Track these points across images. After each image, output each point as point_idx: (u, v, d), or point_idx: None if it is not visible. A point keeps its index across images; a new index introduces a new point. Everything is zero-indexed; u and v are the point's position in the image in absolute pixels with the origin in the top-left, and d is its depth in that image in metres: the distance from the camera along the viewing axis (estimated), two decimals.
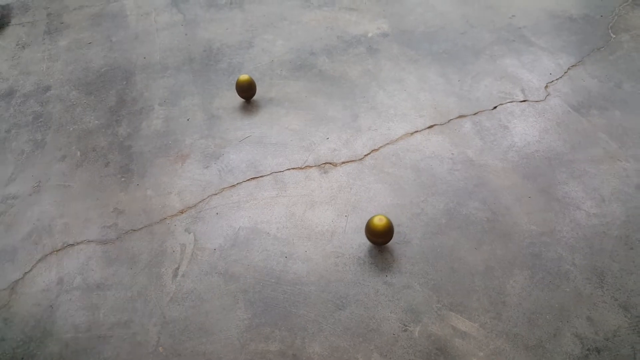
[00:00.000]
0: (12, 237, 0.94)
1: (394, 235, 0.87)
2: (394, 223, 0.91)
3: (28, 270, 0.88)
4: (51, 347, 0.77)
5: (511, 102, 1.14)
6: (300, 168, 1.03)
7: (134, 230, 0.93)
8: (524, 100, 1.15)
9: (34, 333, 0.79)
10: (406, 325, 0.77)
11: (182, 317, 0.80)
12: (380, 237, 0.83)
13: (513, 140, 1.05)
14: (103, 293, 0.83)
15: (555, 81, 1.19)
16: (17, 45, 1.47)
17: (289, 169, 1.03)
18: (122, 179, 1.02)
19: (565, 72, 1.21)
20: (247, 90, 1.16)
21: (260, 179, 1.02)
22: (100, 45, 1.42)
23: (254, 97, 1.19)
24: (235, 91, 1.17)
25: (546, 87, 1.18)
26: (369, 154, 1.04)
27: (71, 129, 1.16)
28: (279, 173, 1.03)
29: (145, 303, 0.82)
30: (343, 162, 1.03)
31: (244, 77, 1.15)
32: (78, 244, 0.91)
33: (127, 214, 0.95)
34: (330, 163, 1.03)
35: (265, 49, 1.36)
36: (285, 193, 0.98)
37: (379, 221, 0.82)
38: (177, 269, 0.86)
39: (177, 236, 0.91)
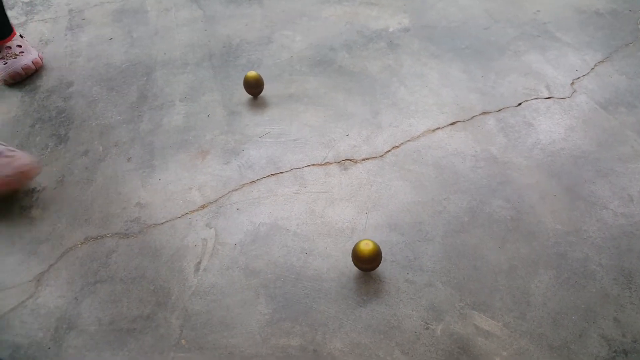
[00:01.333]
0: (37, 230, 0.95)
1: (415, 233, 0.87)
2: (415, 221, 0.90)
3: (53, 263, 0.89)
4: (76, 339, 0.78)
5: (536, 98, 1.12)
6: (320, 164, 1.03)
7: (156, 225, 0.93)
8: (549, 97, 1.13)
9: (59, 324, 0.80)
10: (428, 323, 0.76)
11: (204, 311, 0.80)
12: (367, 263, 0.79)
13: (538, 137, 1.04)
14: (126, 286, 0.84)
15: (582, 78, 1.16)
16: (40, 41, 1.49)
17: (308, 166, 1.03)
18: (144, 174, 1.03)
19: (592, 69, 1.18)
20: (254, 87, 1.16)
21: (280, 175, 1.02)
22: (121, 41, 1.43)
23: (271, 93, 1.19)
24: (243, 87, 1.18)
25: (572, 83, 1.16)
26: (389, 150, 1.03)
27: (93, 124, 1.17)
28: (299, 169, 1.02)
29: (168, 296, 0.82)
30: (363, 159, 1.03)
31: (251, 73, 1.15)
32: (101, 237, 0.92)
33: (150, 208, 0.96)
34: (350, 160, 1.03)
35: (285, 45, 1.36)
36: (305, 189, 0.98)
37: (365, 246, 0.78)
38: (199, 263, 0.87)
39: (198, 231, 0.92)
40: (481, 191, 0.94)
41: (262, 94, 1.20)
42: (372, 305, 0.79)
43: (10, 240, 0.94)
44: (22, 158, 0.98)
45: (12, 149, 1.00)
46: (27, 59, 1.33)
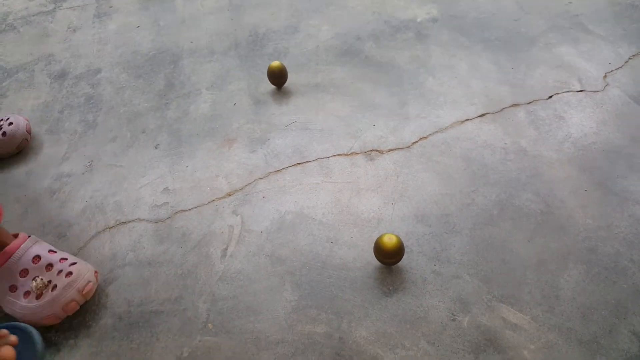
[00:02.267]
0: (67, 214, 0.97)
1: (443, 225, 0.86)
2: (443, 212, 0.89)
3: (82, 246, 0.91)
4: (105, 319, 0.80)
5: (567, 91, 1.10)
6: (346, 154, 1.02)
7: (184, 211, 0.94)
8: (581, 90, 1.10)
9: (88, 306, 0.82)
10: (455, 315, 0.76)
11: (230, 296, 0.81)
12: (389, 257, 0.79)
13: (569, 131, 1.02)
14: (154, 270, 0.86)
15: (615, 71, 1.14)
16: (68, 28, 1.51)
17: (334, 155, 1.03)
18: (172, 161, 1.04)
19: (625, 62, 1.15)
20: (278, 77, 1.16)
21: (306, 164, 1.02)
22: (149, 29, 1.45)
23: (297, 83, 1.19)
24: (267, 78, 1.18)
25: (605, 77, 1.13)
26: (417, 141, 1.03)
27: (121, 110, 1.18)
28: (325, 159, 1.02)
29: (195, 281, 0.83)
30: (390, 150, 1.02)
31: (275, 63, 1.14)
32: (130, 221, 0.94)
33: (177, 194, 0.97)
34: (376, 150, 1.02)
35: (311, 34, 1.35)
36: (330, 179, 0.98)
37: (389, 240, 0.78)
38: (226, 249, 0.87)
39: (225, 218, 0.93)
40: (511, 184, 0.93)
41: (287, 84, 1.20)
42: (398, 295, 0.79)
43: (40, 223, 0.96)
44: (83, 273, 0.80)
45: (73, 258, 0.83)
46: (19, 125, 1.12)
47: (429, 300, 0.78)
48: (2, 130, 1.06)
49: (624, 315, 0.74)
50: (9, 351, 0.70)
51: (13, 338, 0.72)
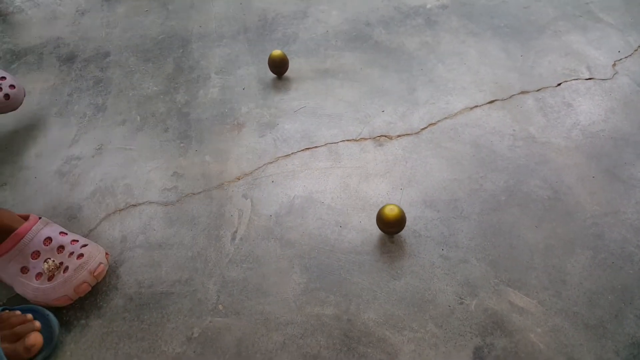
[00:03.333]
0: (77, 196, 0.98)
1: (451, 210, 0.87)
2: (451, 198, 0.90)
3: (93, 228, 0.92)
4: (116, 300, 0.81)
5: (576, 79, 1.10)
6: (355, 140, 1.03)
7: (194, 194, 0.95)
8: (590, 78, 1.10)
9: (99, 287, 0.83)
10: (462, 298, 0.76)
11: (240, 278, 0.82)
12: (391, 227, 0.82)
13: (577, 118, 1.02)
14: (164, 252, 0.87)
15: (624, 59, 1.13)
16: (76, 11, 1.51)
17: (343, 141, 1.03)
18: (181, 145, 1.05)
19: (635, 50, 1.15)
20: (279, 66, 1.15)
21: (315, 149, 1.02)
22: (157, 13, 1.44)
23: (306, 68, 1.19)
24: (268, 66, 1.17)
25: (614, 65, 1.13)
26: (426, 127, 1.03)
27: (130, 94, 1.19)
28: (334, 144, 1.03)
29: (205, 263, 0.84)
30: (399, 136, 1.02)
31: (276, 52, 1.14)
32: (140, 204, 0.94)
33: (187, 178, 0.98)
34: (385, 136, 1.03)
35: (320, 20, 1.35)
36: (339, 164, 0.98)
37: (390, 211, 0.81)
38: (235, 232, 0.88)
39: (234, 201, 0.93)
40: (519, 170, 0.93)
41: (296, 69, 1.20)
42: (406, 278, 0.80)
43: (51, 205, 0.97)
44: (94, 255, 0.81)
45: (84, 240, 0.84)
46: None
47: (436, 284, 0.78)
48: (4, 92, 1.07)
49: (630, 300, 0.74)
50: (38, 338, 0.71)
51: (37, 324, 0.73)
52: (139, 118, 1.12)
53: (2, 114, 1.12)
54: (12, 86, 1.07)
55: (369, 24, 1.31)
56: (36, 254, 0.79)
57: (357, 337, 0.73)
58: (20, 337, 0.71)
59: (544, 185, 0.91)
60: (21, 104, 1.10)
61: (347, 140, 1.03)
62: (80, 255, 0.79)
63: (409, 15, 1.32)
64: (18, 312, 0.75)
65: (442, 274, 0.80)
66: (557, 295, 0.76)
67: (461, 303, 0.76)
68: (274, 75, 1.19)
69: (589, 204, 0.88)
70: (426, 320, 0.74)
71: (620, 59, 1.14)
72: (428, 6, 1.35)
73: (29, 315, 0.74)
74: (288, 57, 1.17)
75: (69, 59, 1.32)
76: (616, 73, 1.11)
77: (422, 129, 1.03)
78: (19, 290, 0.79)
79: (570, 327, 0.72)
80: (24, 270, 0.78)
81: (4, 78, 1.08)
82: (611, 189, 0.90)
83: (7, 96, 1.05)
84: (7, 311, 0.75)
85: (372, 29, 1.29)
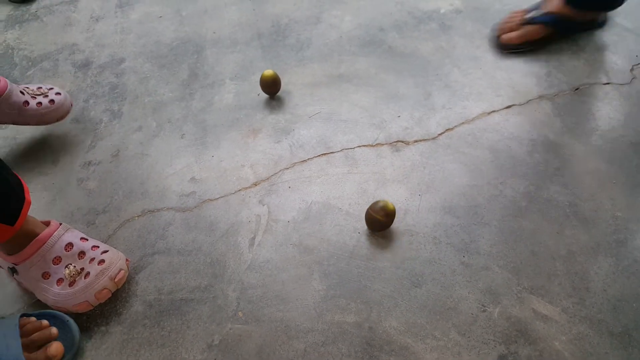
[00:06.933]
0: (94, 202, 0.98)
1: (471, 216, 0.86)
2: (471, 204, 0.89)
3: (111, 234, 0.92)
4: (136, 307, 0.81)
5: (594, 84, 1.09)
6: (371, 145, 1.02)
7: (211, 200, 0.95)
8: (608, 83, 1.09)
9: (119, 293, 0.83)
10: (485, 306, 0.76)
11: (259, 284, 0.82)
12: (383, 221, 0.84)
13: (596, 123, 1.01)
14: (183, 258, 0.86)
15: None
16: (91, 18, 1.52)
17: (359, 146, 1.03)
18: (198, 151, 1.05)
19: None
20: (271, 86, 1.13)
21: (331, 155, 1.02)
22: (171, 19, 1.45)
23: (321, 73, 1.19)
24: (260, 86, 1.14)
25: (632, 69, 1.12)
26: (443, 133, 1.02)
27: (146, 100, 1.19)
28: (350, 150, 1.02)
29: (224, 269, 0.84)
30: (415, 141, 1.02)
31: (268, 72, 1.11)
32: (158, 210, 0.94)
33: (204, 184, 0.98)
34: (402, 141, 1.02)
35: (333, 25, 1.35)
36: (356, 170, 0.98)
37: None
38: (254, 238, 0.88)
39: (251, 207, 0.93)
40: (538, 176, 0.92)
41: (312, 74, 1.20)
42: (427, 286, 0.79)
43: (69, 211, 0.97)
44: (115, 261, 0.81)
45: (104, 246, 0.84)
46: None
47: (458, 291, 0.78)
48: (49, 98, 1.06)
49: None
50: (59, 348, 0.71)
51: (54, 331, 0.73)
52: (155, 124, 1.12)
53: (49, 125, 1.10)
54: (58, 93, 1.08)
55: (383, 29, 1.31)
56: (57, 260, 0.79)
57: (379, 345, 0.73)
58: (38, 345, 0.71)
59: (565, 191, 0.90)
60: (68, 112, 1.09)
61: (364, 145, 1.03)
62: (102, 261, 0.79)
63: (423, 20, 1.32)
64: (33, 319, 0.75)
65: (463, 281, 0.79)
66: (580, 302, 0.75)
67: (484, 311, 0.75)
68: (289, 81, 1.19)
69: (610, 210, 0.87)
70: (449, 328, 0.74)
71: (638, 64, 1.13)
72: (442, 11, 1.35)
73: (45, 322, 0.74)
74: (303, 63, 1.16)
75: (85, 65, 1.33)
76: (634, 78, 1.10)
77: (439, 134, 1.02)
78: (39, 295, 0.79)
79: (595, 335, 0.71)
80: (46, 275, 0.79)
81: (51, 88, 1.08)
82: (632, 194, 0.89)
83: (52, 101, 1.05)
84: (24, 317, 0.75)
85: (386, 34, 1.29)
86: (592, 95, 1.07)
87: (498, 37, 1.20)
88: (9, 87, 1.00)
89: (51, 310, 0.78)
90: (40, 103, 1.04)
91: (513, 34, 1.17)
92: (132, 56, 1.33)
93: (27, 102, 1.03)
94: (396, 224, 0.88)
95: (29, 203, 0.76)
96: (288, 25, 1.36)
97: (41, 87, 1.08)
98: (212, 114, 1.13)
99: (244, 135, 1.07)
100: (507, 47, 1.18)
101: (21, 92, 1.03)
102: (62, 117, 1.08)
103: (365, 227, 0.88)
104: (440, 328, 0.74)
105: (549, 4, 1.18)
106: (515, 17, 1.20)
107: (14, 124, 1.04)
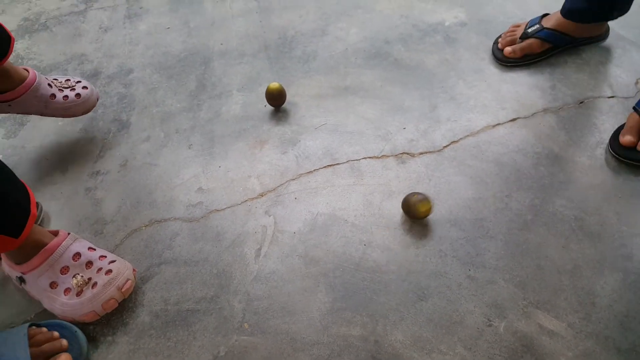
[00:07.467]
0: (102, 212, 0.99)
1: (477, 229, 0.87)
2: (476, 217, 0.89)
3: (119, 244, 0.93)
4: (142, 317, 0.81)
5: (598, 97, 1.10)
6: (377, 157, 1.03)
7: (218, 210, 0.96)
8: (612, 96, 1.10)
9: (126, 303, 0.83)
10: (490, 320, 0.76)
11: (265, 296, 0.82)
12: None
13: (601, 137, 1.01)
14: (190, 268, 0.87)
15: None
16: (99, 28, 1.53)
17: (365, 158, 1.03)
18: (205, 161, 1.05)
19: None
20: (277, 99, 1.14)
21: (337, 166, 1.02)
22: (179, 31, 1.46)
23: (327, 85, 1.20)
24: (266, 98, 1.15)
25: (636, 83, 1.12)
26: (448, 145, 1.03)
27: (154, 110, 1.20)
28: (356, 161, 1.03)
29: (230, 280, 0.85)
30: (421, 153, 1.02)
31: (274, 85, 1.12)
32: (165, 220, 0.95)
33: (211, 194, 0.99)
34: (407, 153, 1.03)
35: (339, 37, 1.36)
36: (362, 181, 0.99)
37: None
38: (260, 249, 0.89)
39: (258, 218, 0.94)
40: (544, 189, 0.93)
41: (318, 86, 1.21)
42: (433, 299, 0.79)
43: (77, 220, 0.98)
44: (122, 271, 0.81)
45: (112, 256, 0.85)
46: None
47: (464, 305, 0.78)
48: (76, 92, 1.07)
49: None
50: (68, 359, 0.71)
51: (65, 343, 0.74)
52: (163, 134, 1.13)
53: (76, 117, 1.13)
54: (85, 87, 1.09)
55: (388, 42, 1.32)
56: (65, 269, 0.80)
57: (384, 359, 0.73)
58: (47, 356, 0.72)
59: (570, 204, 0.90)
60: (93, 106, 1.11)
61: (369, 157, 1.03)
62: (109, 271, 0.80)
63: (428, 33, 1.33)
64: (44, 329, 0.75)
65: (469, 295, 0.79)
66: (587, 318, 0.75)
67: (490, 325, 0.75)
68: (295, 93, 1.20)
69: (616, 224, 0.87)
70: (455, 343, 0.74)
71: None
72: (446, 24, 1.36)
73: (56, 333, 0.75)
74: (309, 74, 1.17)
75: (93, 75, 1.34)
76: (639, 91, 1.11)
77: (445, 146, 1.03)
78: (47, 305, 0.80)
79: (602, 351, 0.71)
80: (53, 285, 0.79)
81: (79, 81, 1.10)
82: (638, 208, 0.89)
83: (78, 95, 1.06)
84: (34, 327, 0.76)
85: (391, 46, 1.30)
86: (596, 108, 1.08)
87: (499, 50, 1.21)
88: (37, 80, 1.02)
89: (60, 321, 0.79)
90: (66, 96, 1.06)
91: (514, 47, 1.18)
92: (140, 67, 1.35)
93: (54, 95, 1.04)
94: (402, 237, 0.88)
95: (35, 216, 0.76)
96: (294, 37, 1.38)
97: (69, 80, 1.10)
98: (219, 125, 1.14)
99: (251, 146, 1.08)
100: (508, 61, 1.19)
101: (49, 84, 1.05)
102: (87, 111, 1.10)
103: (370, 239, 0.88)
104: (446, 342, 0.74)
105: (549, 19, 1.19)
106: (517, 31, 1.21)
107: (40, 115, 1.05)
